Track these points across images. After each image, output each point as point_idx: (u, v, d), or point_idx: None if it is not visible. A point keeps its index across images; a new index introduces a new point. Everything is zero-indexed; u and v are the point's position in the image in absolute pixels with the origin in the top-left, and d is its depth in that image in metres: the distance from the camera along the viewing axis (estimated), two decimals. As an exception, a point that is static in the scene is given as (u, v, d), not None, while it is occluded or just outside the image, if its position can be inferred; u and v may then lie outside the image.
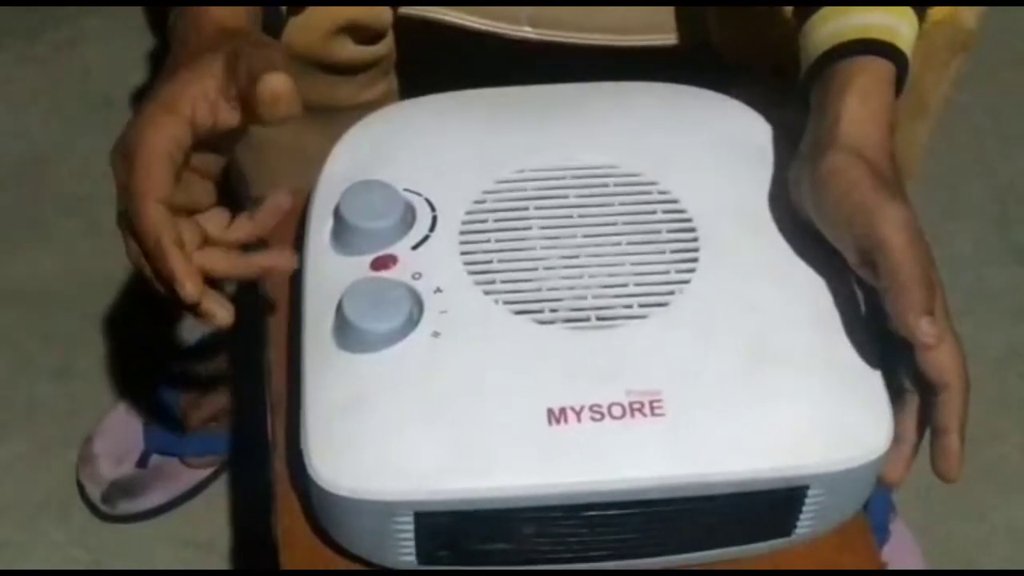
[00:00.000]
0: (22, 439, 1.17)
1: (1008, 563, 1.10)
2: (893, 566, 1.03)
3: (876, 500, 1.02)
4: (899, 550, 1.05)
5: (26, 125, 1.45)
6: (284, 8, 0.72)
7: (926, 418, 0.62)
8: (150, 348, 1.19)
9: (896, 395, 0.64)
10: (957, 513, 1.11)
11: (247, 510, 1.11)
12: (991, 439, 1.15)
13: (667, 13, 0.88)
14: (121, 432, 1.14)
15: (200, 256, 0.62)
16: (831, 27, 0.67)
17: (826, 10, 0.67)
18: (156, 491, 1.12)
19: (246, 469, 1.12)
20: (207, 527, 1.12)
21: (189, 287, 0.59)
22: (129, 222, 0.61)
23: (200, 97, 0.61)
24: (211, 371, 1.15)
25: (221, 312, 0.62)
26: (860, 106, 0.64)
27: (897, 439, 0.64)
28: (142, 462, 1.12)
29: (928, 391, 0.61)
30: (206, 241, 0.64)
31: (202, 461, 1.13)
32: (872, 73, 0.65)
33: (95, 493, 1.12)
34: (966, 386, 0.60)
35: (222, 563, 1.10)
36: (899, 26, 0.66)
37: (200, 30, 0.65)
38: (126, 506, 1.12)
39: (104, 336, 1.23)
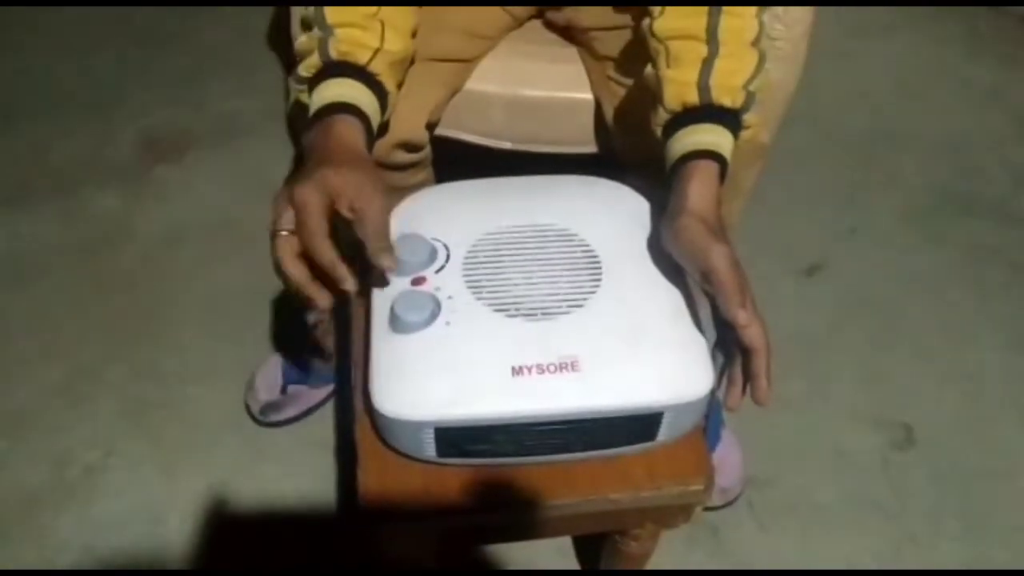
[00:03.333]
0: (221, 379, 1.14)
1: (793, 455, 1.07)
2: (721, 458, 1.03)
3: (713, 417, 1.02)
4: (726, 448, 1.05)
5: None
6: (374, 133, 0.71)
7: (745, 370, 0.62)
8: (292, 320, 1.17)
9: (728, 357, 0.64)
10: (762, 425, 1.09)
11: (347, 422, 1.10)
12: (781, 380, 1.13)
13: (590, 133, 0.89)
14: (270, 372, 1.12)
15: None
16: (682, 143, 0.67)
17: (680, 132, 0.67)
18: (291, 408, 1.11)
19: (346, 396, 1.11)
20: (323, 432, 1.10)
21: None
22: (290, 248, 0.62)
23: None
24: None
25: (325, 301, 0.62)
26: (699, 189, 0.64)
27: (731, 382, 0.64)
28: (283, 391, 1.11)
29: (745, 354, 0.61)
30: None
31: (321, 389, 1.12)
32: (706, 170, 0.65)
33: (255, 409, 1.11)
34: (768, 350, 0.60)
35: (332, 456, 1.07)
36: (722, 142, 0.66)
37: (328, 138, 0.65)
38: (274, 417, 1.11)
39: (272, 321, 1.21)
